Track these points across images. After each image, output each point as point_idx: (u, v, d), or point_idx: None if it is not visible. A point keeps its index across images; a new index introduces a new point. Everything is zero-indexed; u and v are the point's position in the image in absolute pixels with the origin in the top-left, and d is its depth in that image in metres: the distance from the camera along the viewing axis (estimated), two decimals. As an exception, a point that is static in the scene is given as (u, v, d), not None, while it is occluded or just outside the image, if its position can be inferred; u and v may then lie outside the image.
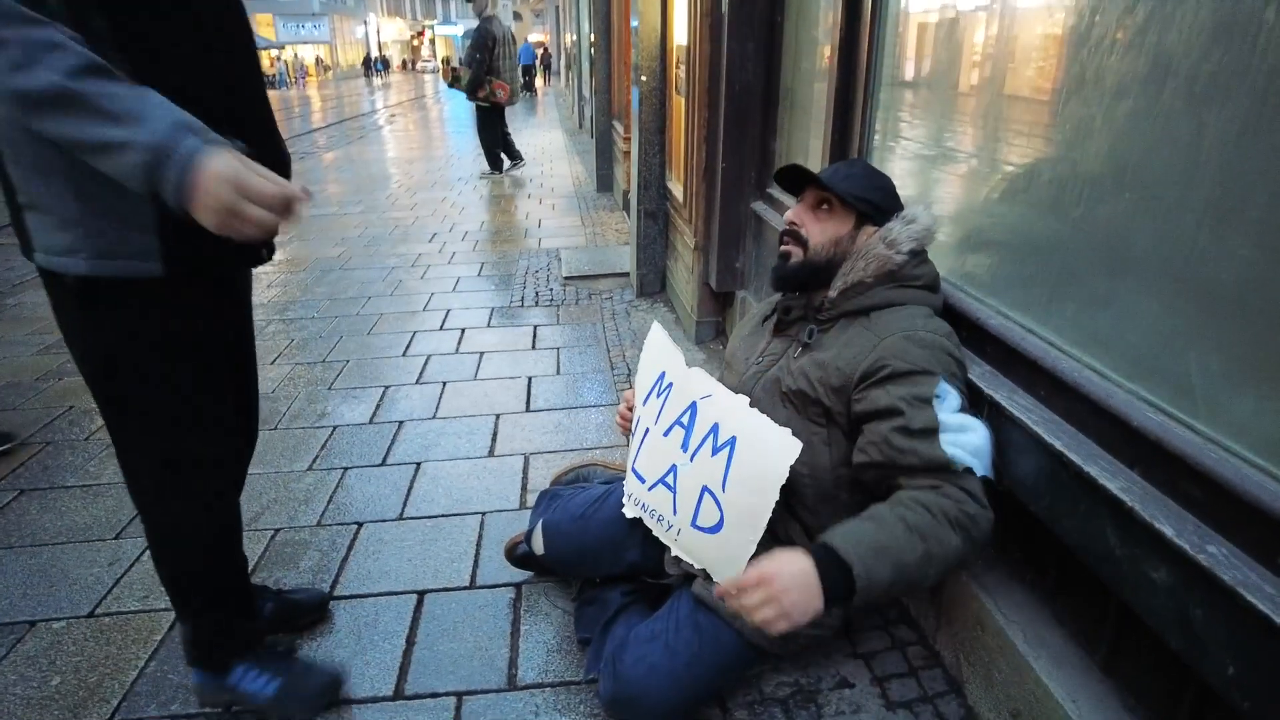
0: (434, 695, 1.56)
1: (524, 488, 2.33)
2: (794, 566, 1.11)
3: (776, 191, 2.86)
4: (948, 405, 1.26)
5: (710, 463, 1.37)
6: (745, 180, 3.03)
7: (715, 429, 1.38)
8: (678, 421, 1.46)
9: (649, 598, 1.69)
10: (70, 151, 1.00)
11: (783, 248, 1.49)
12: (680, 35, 3.42)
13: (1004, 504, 1.36)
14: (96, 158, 0.98)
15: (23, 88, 0.93)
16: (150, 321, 1.22)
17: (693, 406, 1.44)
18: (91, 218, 1.11)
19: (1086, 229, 1.27)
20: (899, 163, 2.01)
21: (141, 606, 1.84)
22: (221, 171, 0.97)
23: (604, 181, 7.38)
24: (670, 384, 1.52)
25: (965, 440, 1.24)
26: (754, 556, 1.33)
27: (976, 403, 1.38)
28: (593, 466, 2.18)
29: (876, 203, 1.48)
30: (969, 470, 1.23)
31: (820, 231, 1.47)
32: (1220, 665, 0.93)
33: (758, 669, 1.56)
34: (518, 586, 1.89)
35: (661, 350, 1.60)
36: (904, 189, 1.59)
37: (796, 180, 1.53)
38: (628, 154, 5.05)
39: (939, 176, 1.85)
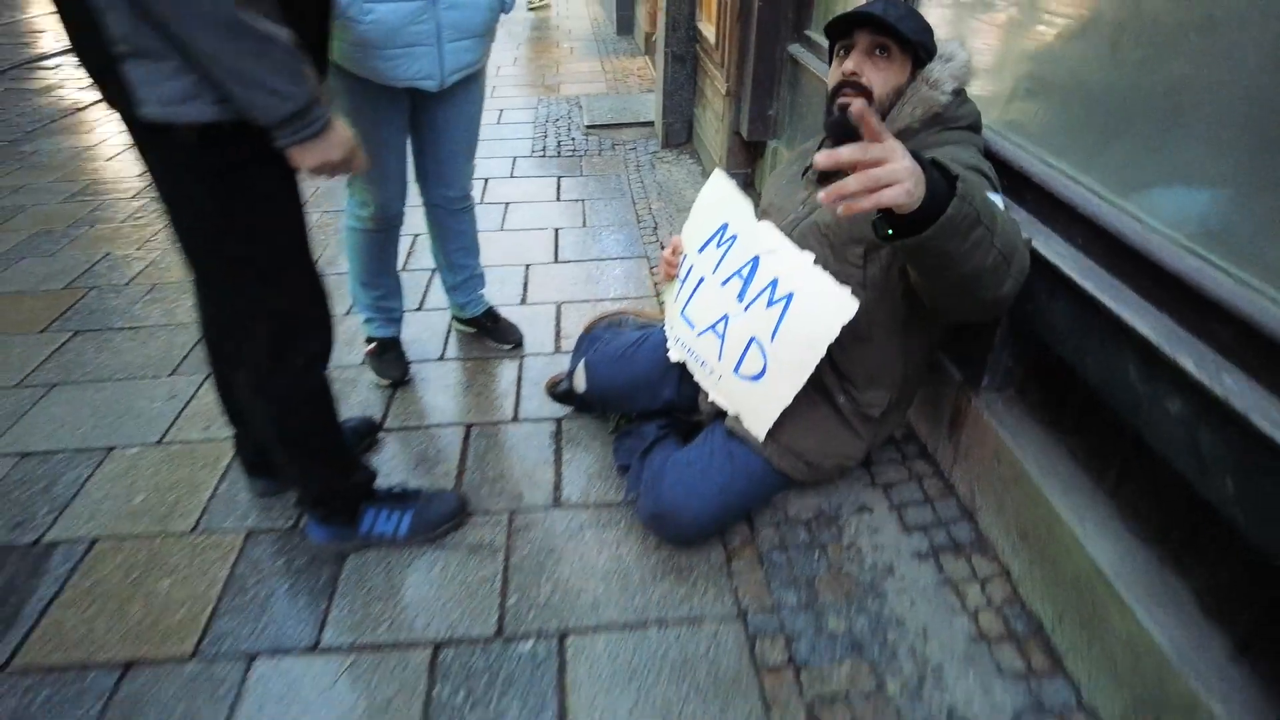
0: (487, 513, 1.72)
1: (558, 334, 2.42)
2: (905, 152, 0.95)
3: (816, 34, 2.73)
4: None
5: (764, 314, 1.43)
6: (782, 20, 2.89)
7: (774, 283, 1.42)
8: (737, 273, 1.49)
9: (681, 431, 1.81)
10: (204, 65, 1.02)
11: (842, 99, 1.44)
12: None
13: (1027, 347, 1.43)
14: (240, 86, 1.03)
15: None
16: (270, 167, 1.19)
17: (755, 260, 1.47)
18: None
19: (1143, 71, 1.25)
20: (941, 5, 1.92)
21: (204, 436, 1.98)
22: (348, 140, 1.20)
23: (624, 24, 7.00)
24: (734, 236, 1.53)
25: None
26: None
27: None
28: (625, 315, 2.25)
29: (929, 45, 1.44)
30: None
31: (882, 81, 1.42)
32: (1221, 484, 1.02)
33: (782, 493, 1.70)
34: (557, 421, 2.02)
35: (725, 199, 1.60)
36: (944, 30, 1.53)
37: (844, 26, 1.47)
38: (652, -8, 4.77)
39: (985, 16, 1.78)
